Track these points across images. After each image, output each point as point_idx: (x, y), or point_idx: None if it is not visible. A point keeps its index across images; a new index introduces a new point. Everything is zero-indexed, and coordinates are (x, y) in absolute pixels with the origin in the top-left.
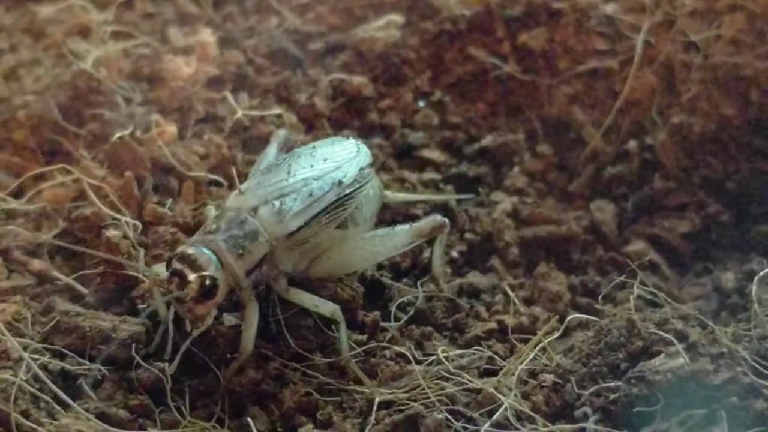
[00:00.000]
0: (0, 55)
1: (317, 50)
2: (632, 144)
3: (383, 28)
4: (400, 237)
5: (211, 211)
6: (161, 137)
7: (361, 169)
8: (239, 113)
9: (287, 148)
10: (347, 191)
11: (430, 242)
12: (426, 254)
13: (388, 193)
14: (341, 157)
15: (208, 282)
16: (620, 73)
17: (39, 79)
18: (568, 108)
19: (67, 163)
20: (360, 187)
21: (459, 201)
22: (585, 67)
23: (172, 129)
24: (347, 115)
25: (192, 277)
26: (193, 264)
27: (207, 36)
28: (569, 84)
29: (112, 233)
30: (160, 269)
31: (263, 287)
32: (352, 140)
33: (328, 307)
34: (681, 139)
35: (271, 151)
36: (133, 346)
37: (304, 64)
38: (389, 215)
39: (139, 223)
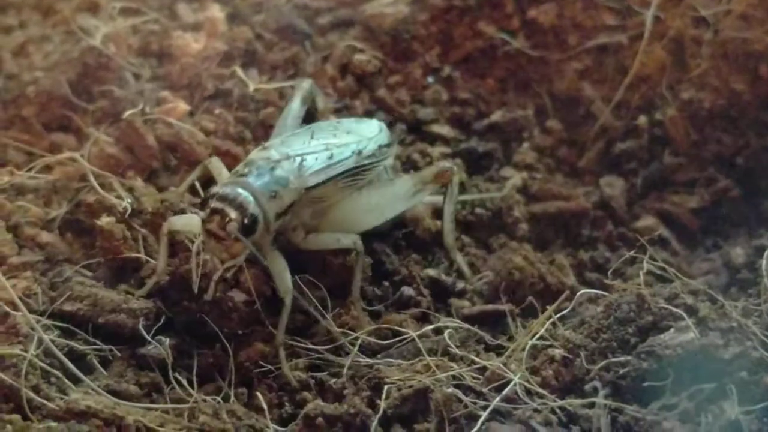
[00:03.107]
0: (9, 32)
1: (326, 25)
2: (642, 119)
3: (392, 4)
4: (401, 186)
5: (215, 162)
6: (171, 114)
7: (380, 146)
8: (251, 88)
9: (310, 100)
10: (365, 162)
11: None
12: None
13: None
14: (363, 133)
15: (247, 220)
16: (630, 49)
17: (48, 55)
18: (578, 84)
19: (76, 139)
20: (377, 161)
21: (469, 175)
22: (594, 43)
23: (182, 106)
24: (356, 91)
25: (234, 214)
26: (233, 202)
27: (216, 12)
28: (579, 59)
29: (104, 220)
30: (176, 221)
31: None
32: (375, 120)
33: (349, 238)
34: (691, 115)
35: (295, 104)
36: (141, 320)
37: (313, 39)
38: None
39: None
